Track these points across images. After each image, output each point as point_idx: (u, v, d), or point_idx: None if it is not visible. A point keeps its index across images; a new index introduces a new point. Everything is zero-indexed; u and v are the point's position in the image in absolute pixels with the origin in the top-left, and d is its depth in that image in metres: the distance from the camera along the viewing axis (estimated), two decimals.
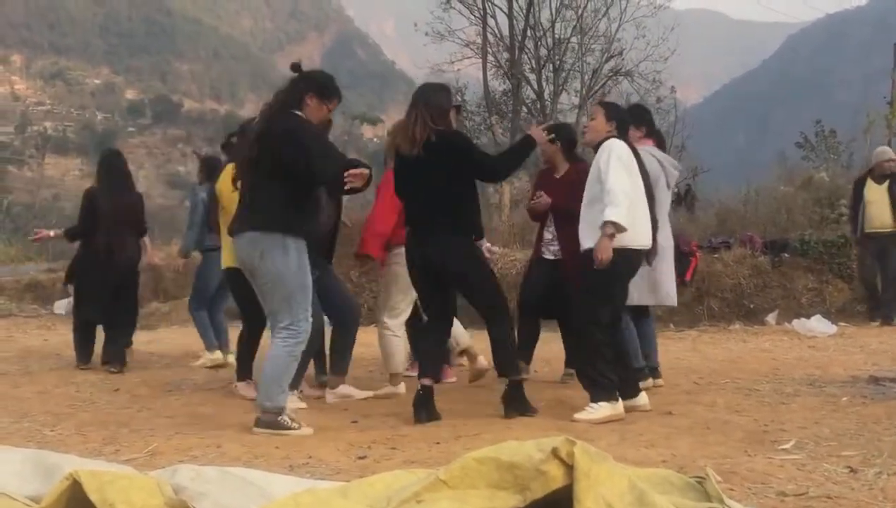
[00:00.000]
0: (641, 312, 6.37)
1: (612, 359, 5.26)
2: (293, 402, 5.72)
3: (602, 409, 5.11)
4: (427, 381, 5.31)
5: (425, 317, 5.76)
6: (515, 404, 5.31)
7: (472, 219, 5.40)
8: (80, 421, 5.25)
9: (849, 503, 3.19)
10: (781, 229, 12.81)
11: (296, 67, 5.16)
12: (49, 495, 2.51)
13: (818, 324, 10.24)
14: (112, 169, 7.98)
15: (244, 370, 6.36)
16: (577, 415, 5.09)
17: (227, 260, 6.13)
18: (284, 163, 4.77)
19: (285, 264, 4.80)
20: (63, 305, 13.02)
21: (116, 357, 7.71)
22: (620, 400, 5.21)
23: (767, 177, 16.51)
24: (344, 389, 6.08)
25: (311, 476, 3.60)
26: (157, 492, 2.49)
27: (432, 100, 5.33)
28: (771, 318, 10.97)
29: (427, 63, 20.99)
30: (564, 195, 6.22)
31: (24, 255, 18.04)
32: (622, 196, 5.02)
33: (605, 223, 5.01)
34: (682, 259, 11.35)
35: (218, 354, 8.02)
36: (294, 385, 5.50)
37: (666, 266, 6.23)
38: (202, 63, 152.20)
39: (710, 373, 7.15)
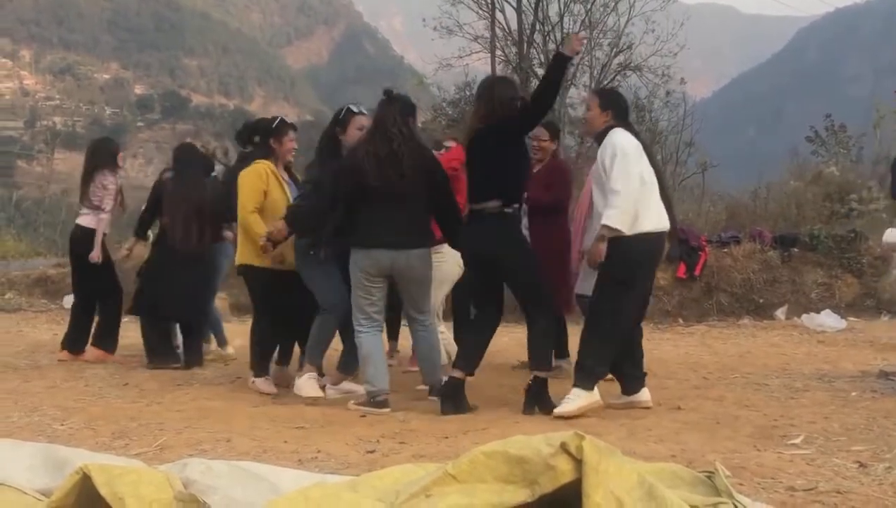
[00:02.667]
0: None
1: (616, 350, 5.25)
2: (314, 390, 5.73)
3: (578, 399, 5.08)
4: (457, 374, 5.38)
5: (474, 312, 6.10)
6: (535, 400, 5.33)
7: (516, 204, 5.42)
8: (89, 416, 5.26)
9: (858, 497, 3.18)
10: (791, 224, 12.81)
11: (389, 93, 5.62)
12: (59, 489, 2.51)
13: (827, 319, 10.23)
14: (185, 161, 7.80)
15: (262, 367, 6.42)
16: (556, 410, 5.08)
17: (247, 256, 6.23)
18: (436, 192, 5.53)
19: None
20: (72, 300, 13.00)
21: (195, 355, 7.62)
22: (596, 390, 5.18)
23: (777, 172, 16.47)
24: (346, 385, 6.09)
25: (320, 470, 3.61)
26: (166, 486, 2.49)
27: (495, 93, 5.51)
28: (780, 313, 10.95)
29: (435, 58, 20.97)
30: (542, 189, 6.49)
31: (33, 250, 18.05)
32: (622, 199, 4.99)
33: (603, 225, 5.03)
34: (692, 253, 11.37)
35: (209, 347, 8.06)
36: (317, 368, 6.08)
37: None
38: (211, 58, 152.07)
39: (719, 368, 7.14)
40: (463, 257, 5.72)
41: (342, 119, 5.99)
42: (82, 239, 7.87)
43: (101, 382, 6.70)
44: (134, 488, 2.42)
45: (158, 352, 7.52)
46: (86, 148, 8.31)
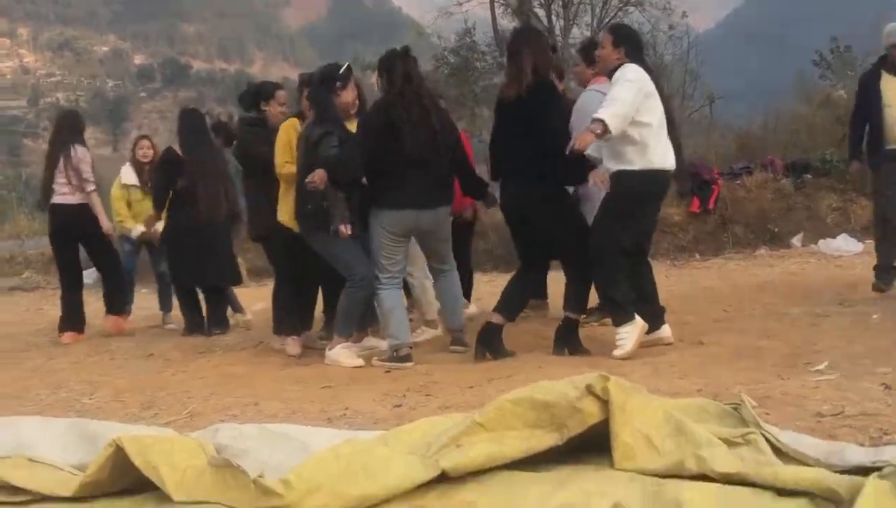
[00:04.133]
0: None
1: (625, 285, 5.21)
2: (352, 359, 5.68)
3: (629, 335, 5.07)
4: (496, 319, 5.41)
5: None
6: (565, 341, 5.36)
7: (557, 167, 5.23)
8: (116, 388, 5.30)
9: (886, 419, 3.18)
10: (802, 150, 12.71)
11: (407, 49, 5.62)
12: (94, 463, 2.55)
13: (844, 243, 10.20)
14: (195, 126, 7.71)
15: (284, 326, 6.41)
16: (614, 352, 5.06)
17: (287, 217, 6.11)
18: (455, 151, 5.64)
19: None
20: (89, 274, 13.02)
21: (220, 321, 7.63)
22: (636, 315, 5.14)
23: (785, 99, 16.32)
24: (368, 341, 6.10)
25: (349, 427, 3.62)
26: (199, 452, 2.51)
27: (536, 45, 5.43)
28: (796, 241, 10.92)
29: (433, 7, 20.76)
30: None
31: (46, 228, 18.06)
32: (620, 104, 4.89)
33: (595, 120, 4.84)
34: (704, 187, 11.32)
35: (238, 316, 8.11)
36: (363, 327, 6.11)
37: None
38: (208, 23, 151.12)
39: (738, 300, 7.14)
40: (506, 218, 5.72)
41: (344, 74, 5.87)
42: (70, 215, 7.81)
43: (125, 354, 6.75)
44: (167, 456, 2.45)
45: (196, 321, 7.63)
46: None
